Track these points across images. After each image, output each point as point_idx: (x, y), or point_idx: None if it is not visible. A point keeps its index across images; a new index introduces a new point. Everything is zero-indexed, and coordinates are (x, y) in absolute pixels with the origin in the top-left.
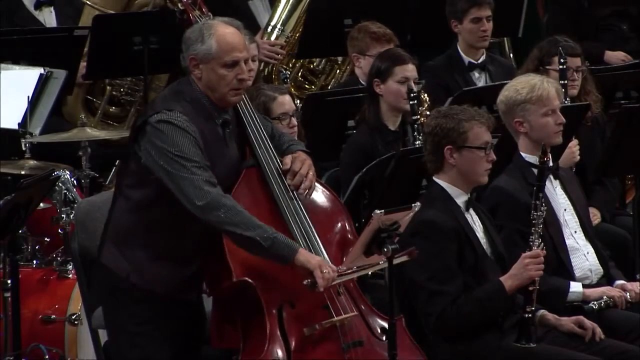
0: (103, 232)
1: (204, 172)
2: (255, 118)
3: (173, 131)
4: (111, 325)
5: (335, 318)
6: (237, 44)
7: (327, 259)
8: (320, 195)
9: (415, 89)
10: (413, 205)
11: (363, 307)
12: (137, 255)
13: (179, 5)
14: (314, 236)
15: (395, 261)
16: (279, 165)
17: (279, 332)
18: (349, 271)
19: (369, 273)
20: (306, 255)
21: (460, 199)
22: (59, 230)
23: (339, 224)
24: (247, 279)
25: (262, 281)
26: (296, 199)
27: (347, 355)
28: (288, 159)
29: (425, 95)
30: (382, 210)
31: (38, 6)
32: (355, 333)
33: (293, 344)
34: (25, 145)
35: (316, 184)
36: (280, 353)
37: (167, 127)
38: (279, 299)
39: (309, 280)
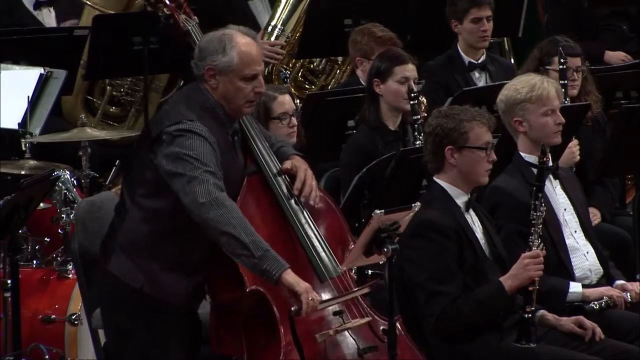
0: (111, 239)
1: (214, 178)
2: (255, 124)
3: (193, 138)
4: (119, 335)
5: (351, 324)
6: (256, 58)
7: (334, 259)
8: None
9: (415, 89)
10: (413, 205)
11: (368, 310)
12: (151, 266)
13: (165, 10)
14: (320, 238)
15: (359, 293)
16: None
17: (292, 340)
18: (331, 299)
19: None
20: (295, 277)
21: (461, 200)
22: (59, 230)
23: (338, 226)
24: (259, 288)
25: (274, 290)
26: (299, 203)
27: None
28: (288, 164)
29: (424, 98)
30: (382, 210)
31: (37, 6)
32: (369, 338)
33: (307, 350)
34: (25, 145)
35: None
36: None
37: (188, 134)
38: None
39: (295, 307)
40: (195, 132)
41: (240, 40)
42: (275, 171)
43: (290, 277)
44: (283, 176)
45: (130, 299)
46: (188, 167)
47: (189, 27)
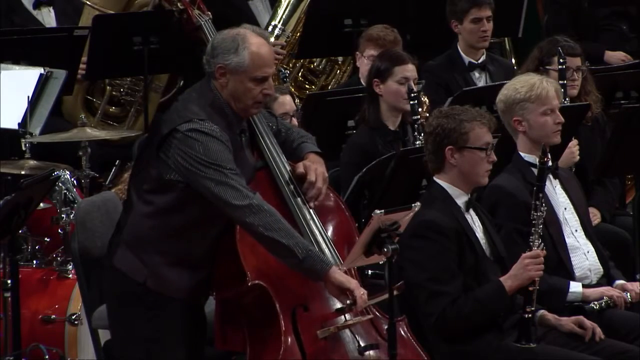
0: (115, 234)
1: (240, 179)
2: (263, 121)
3: (207, 140)
4: (122, 330)
5: (352, 320)
6: (268, 60)
7: (337, 256)
8: (326, 198)
9: (415, 89)
10: (413, 205)
11: (372, 309)
12: (154, 260)
13: (178, 4)
14: (325, 237)
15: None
16: (289, 169)
17: (293, 335)
18: (376, 297)
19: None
20: (343, 274)
21: (461, 200)
22: (59, 230)
23: (345, 226)
24: (261, 282)
25: (276, 285)
26: (306, 202)
27: (363, 357)
28: (301, 167)
29: (425, 97)
30: (382, 210)
31: (37, 6)
32: (371, 336)
33: (307, 346)
34: (25, 145)
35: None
36: (296, 355)
37: (201, 136)
38: (293, 302)
39: (349, 302)
40: (207, 133)
41: (254, 41)
42: (282, 169)
43: (338, 274)
44: (289, 171)
45: (134, 293)
46: (214, 173)
47: (202, 22)
